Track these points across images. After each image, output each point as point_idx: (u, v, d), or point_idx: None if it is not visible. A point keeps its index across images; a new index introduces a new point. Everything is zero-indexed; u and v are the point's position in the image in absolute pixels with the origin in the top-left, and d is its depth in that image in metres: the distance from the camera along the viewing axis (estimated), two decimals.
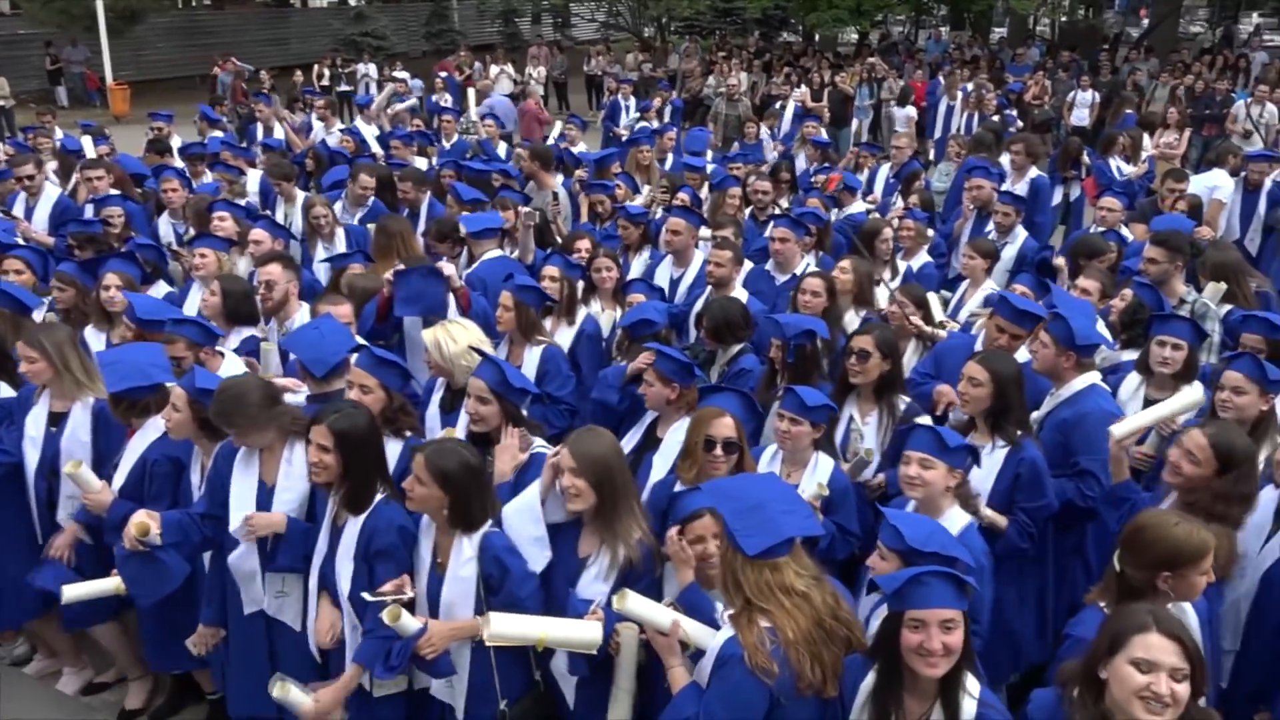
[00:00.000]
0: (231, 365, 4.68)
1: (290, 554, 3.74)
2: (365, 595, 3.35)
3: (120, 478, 4.15)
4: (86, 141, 10.04)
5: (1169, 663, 2.38)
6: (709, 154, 10.51)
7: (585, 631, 3.15)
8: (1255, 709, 3.63)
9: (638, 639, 3.08)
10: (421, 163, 9.67)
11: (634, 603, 2.99)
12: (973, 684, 2.62)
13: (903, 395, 4.47)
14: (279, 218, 7.89)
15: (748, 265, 6.52)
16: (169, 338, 4.55)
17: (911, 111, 15.29)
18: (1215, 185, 8.57)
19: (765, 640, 2.72)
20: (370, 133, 11.19)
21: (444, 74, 19.09)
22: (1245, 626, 3.66)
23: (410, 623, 3.27)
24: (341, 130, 11.40)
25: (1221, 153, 9.01)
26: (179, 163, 9.34)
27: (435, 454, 3.34)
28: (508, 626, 3.09)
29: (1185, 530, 2.94)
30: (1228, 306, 5.59)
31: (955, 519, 3.50)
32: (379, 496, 3.56)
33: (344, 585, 3.55)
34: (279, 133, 11.53)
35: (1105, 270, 5.81)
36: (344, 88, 19.84)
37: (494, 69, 20.01)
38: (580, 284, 5.79)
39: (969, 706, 2.59)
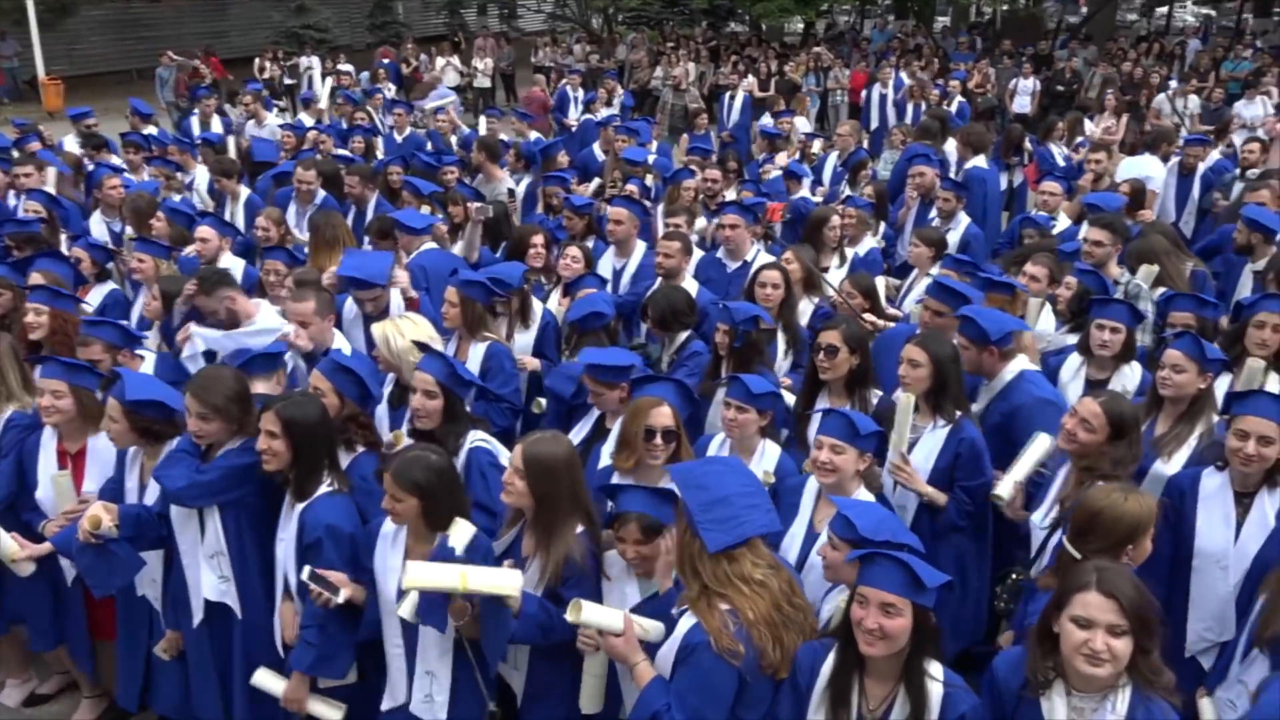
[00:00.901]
0: (150, 367, 4.62)
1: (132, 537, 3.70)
2: (304, 576, 3.35)
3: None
4: (69, 140, 9.75)
5: (1106, 620, 2.49)
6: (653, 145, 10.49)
7: (506, 578, 3.07)
8: None
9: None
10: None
11: (587, 613, 2.97)
12: (936, 668, 2.67)
13: (875, 389, 4.48)
14: (227, 215, 7.74)
15: (699, 253, 6.55)
16: (84, 340, 4.45)
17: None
18: (1148, 174, 8.73)
19: (728, 623, 2.76)
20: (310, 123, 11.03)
21: (386, 61, 18.87)
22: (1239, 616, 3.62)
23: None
24: (282, 126, 11.19)
25: (1156, 138, 9.19)
26: (117, 159, 9.13)
27: (403, 468, 3.28)
28: (425, 573, 3.01)
29: (1135, 501, 3.08)
30: (1161, 289, 5.70)
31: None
32: (325, 489, 3.54)
33: (290, 574, 3.55)
34: (217, 126, 11.27)
35: (1053, 256, 5.92)
36: (287, 81, 19.46)
37: (439, 61, 19.80)
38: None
39: (934, 689, 2.63)
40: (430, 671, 3.34)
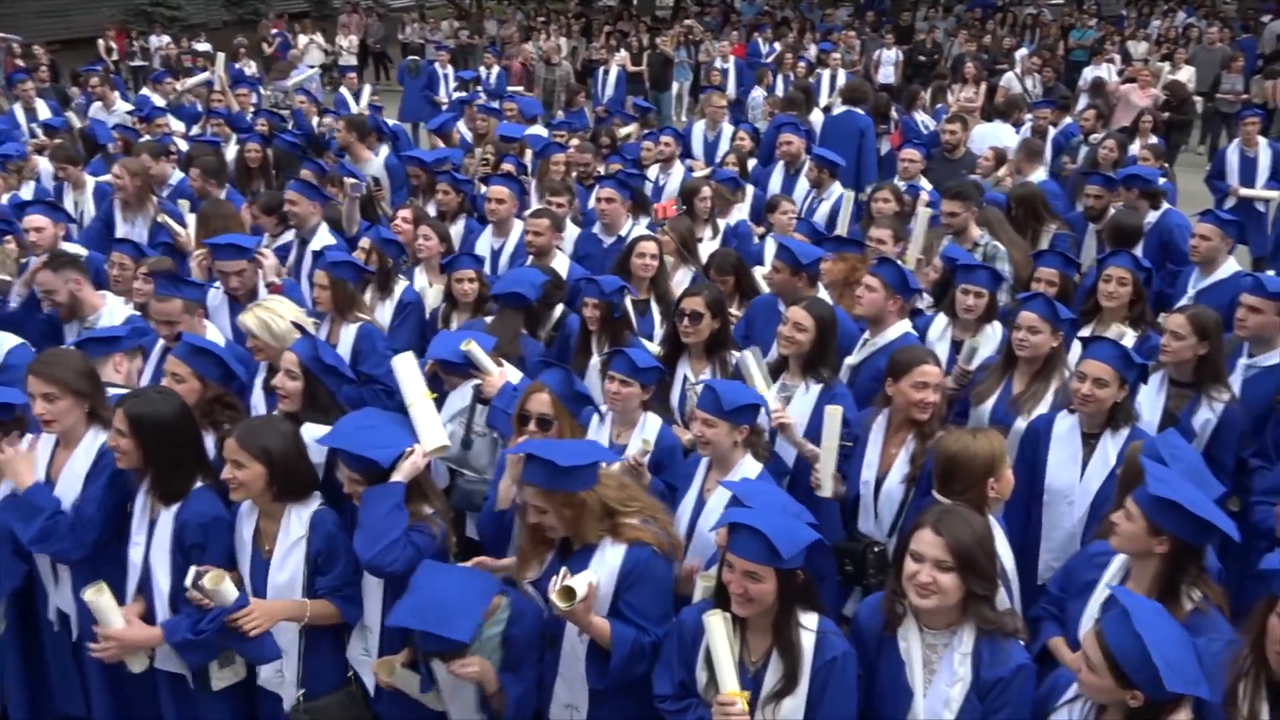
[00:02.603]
0: None
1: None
2: (187, 583, 3.20)
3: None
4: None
5: (932, 555, 2.67)
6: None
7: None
8: None
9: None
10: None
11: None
12: (809, 619, 2.77)
13: (733, 350, 4.57)
14: (69, 205, 7.29)
15: (575, 229, 6.53)
16: None
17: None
18: (1004, 142, 9.06)
19: (650, 528, 3.08)
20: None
21: (275, 31, 18.14)
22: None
23: (229, 590, 3.16)
24: (130, 112, 10.59)
25: (1009, 105, 9.60)
26: None
27: (247, 433, 3.25)
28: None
29: (984, 438, 3.33)
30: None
31: (748, 468, 3.62)
32: (197, 486, 3.41)
33: (162, 582, 3.40)
34: (44, 111, 10.56)
35: (895, 219, 6.17)
36: (138, 63, 18.46)
37: (302, 39, 19.09)
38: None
39: (807, 639, 2.74)
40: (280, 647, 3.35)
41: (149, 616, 3.45)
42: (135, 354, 4.36)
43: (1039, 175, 7.77)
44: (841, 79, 12.41)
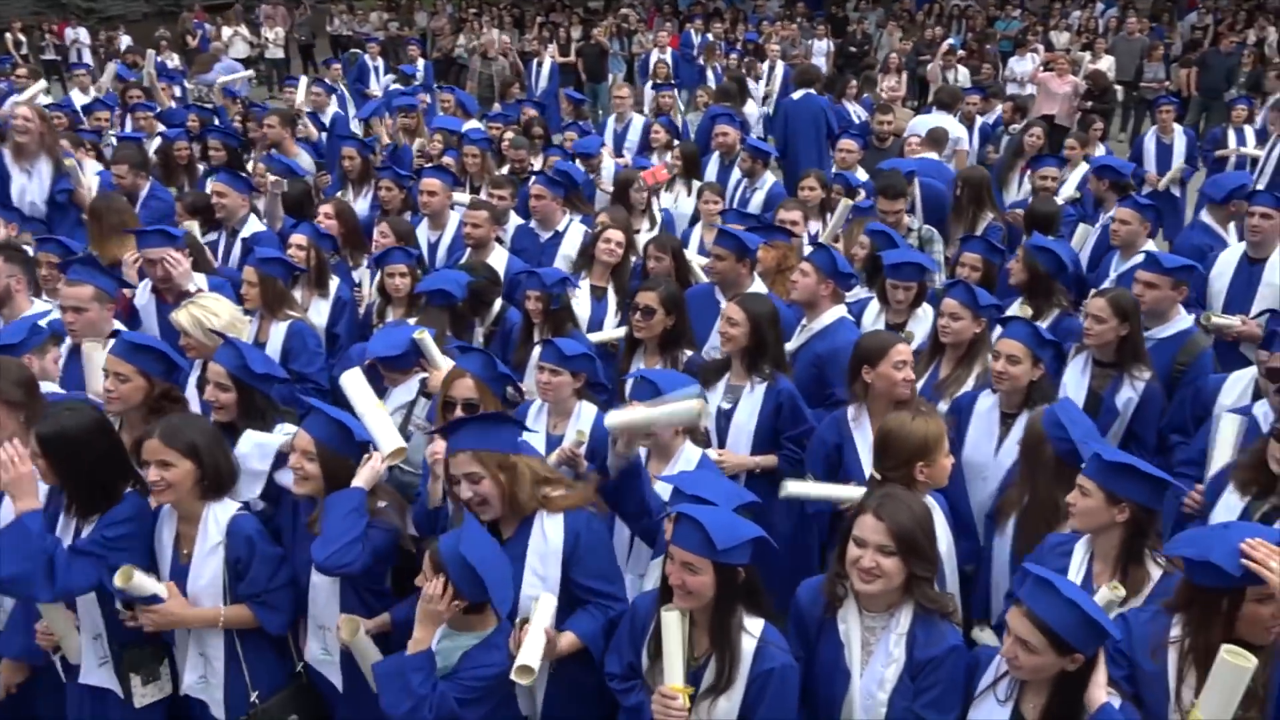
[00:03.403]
0: None
1: None
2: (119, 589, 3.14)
3: None
4: None
5: (875, 540, 2.71)
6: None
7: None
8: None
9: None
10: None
11: (137, 580, 3.07)
12: (754, 623, 2.77)
13: (687, 348, 4.58)
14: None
15: (516, 222, 6.49)
16: None
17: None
18: (953, 134, 9.17)
19: (578, 489, 3.19)
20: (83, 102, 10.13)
21: (196, 23, 17.65)
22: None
23: (146, 582, 3.12)
24: (50, 105, 10.22)
25: (950, 96, 9.76)
26: None
27: (170, 431, 3.17)
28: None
29: (922, 421, 3.34)
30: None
31: (690, 455, 3.65)
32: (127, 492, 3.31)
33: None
34: None
35: (800, 202, 6.36)
36: (50, 56, 17.82)
37: (226, 31, 18.61)
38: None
39: (748, 643, 2.74)
40: (203, 654, 3.31)
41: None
42: (46, 347, 4.20)
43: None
44: (779, 70, 12.53)
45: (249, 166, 7.74)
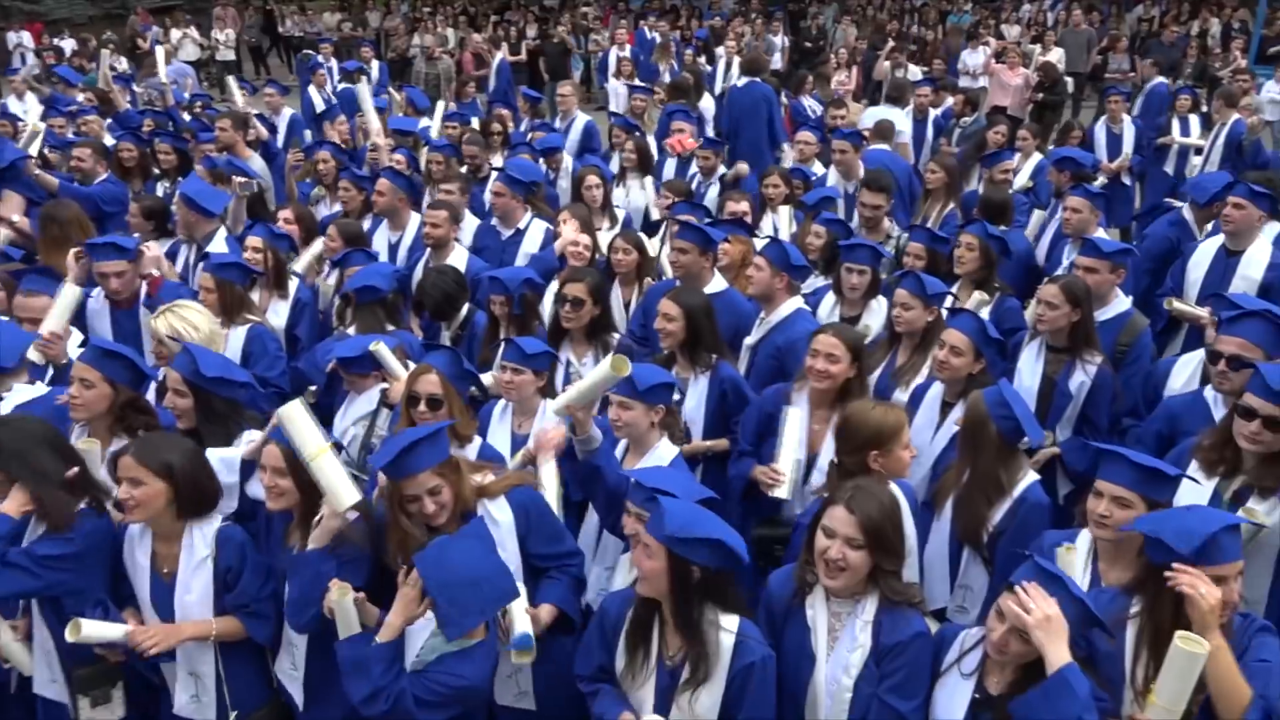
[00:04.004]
0: None
1: None
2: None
3: None
4: None
5: (844, 532, 2.74)
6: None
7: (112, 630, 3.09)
8: None
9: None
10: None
11: (87, 630, 3.03)
12: (729, 620, 2.76)
13: (615, 333, 4.64)
14: None
15: (474, 221, 6.47)
16: None
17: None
18: (898, 126, 9.29)
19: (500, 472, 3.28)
20: (21, 109, 9.95)
21: (144, 25, 17.37)
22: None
23: (98, 629, 3.07)
24: None
25: (898, 89, 9.87)
26: None
27: (146, 449, 3.10)
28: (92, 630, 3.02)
29: (881, 411, 3.39)
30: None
31: (665, 452, 3.66)
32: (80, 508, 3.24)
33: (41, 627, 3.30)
34: None
35: (744, 194, 6.49)
36: None
37: (175, 33, 18.33)
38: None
39: (725, 640, 2.73)
40: (194, 672, 3.26)
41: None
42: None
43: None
44: (737, 66, 12.57)
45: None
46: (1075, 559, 2.94)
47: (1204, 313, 4.85)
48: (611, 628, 2.91)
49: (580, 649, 3.04)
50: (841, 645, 2.82)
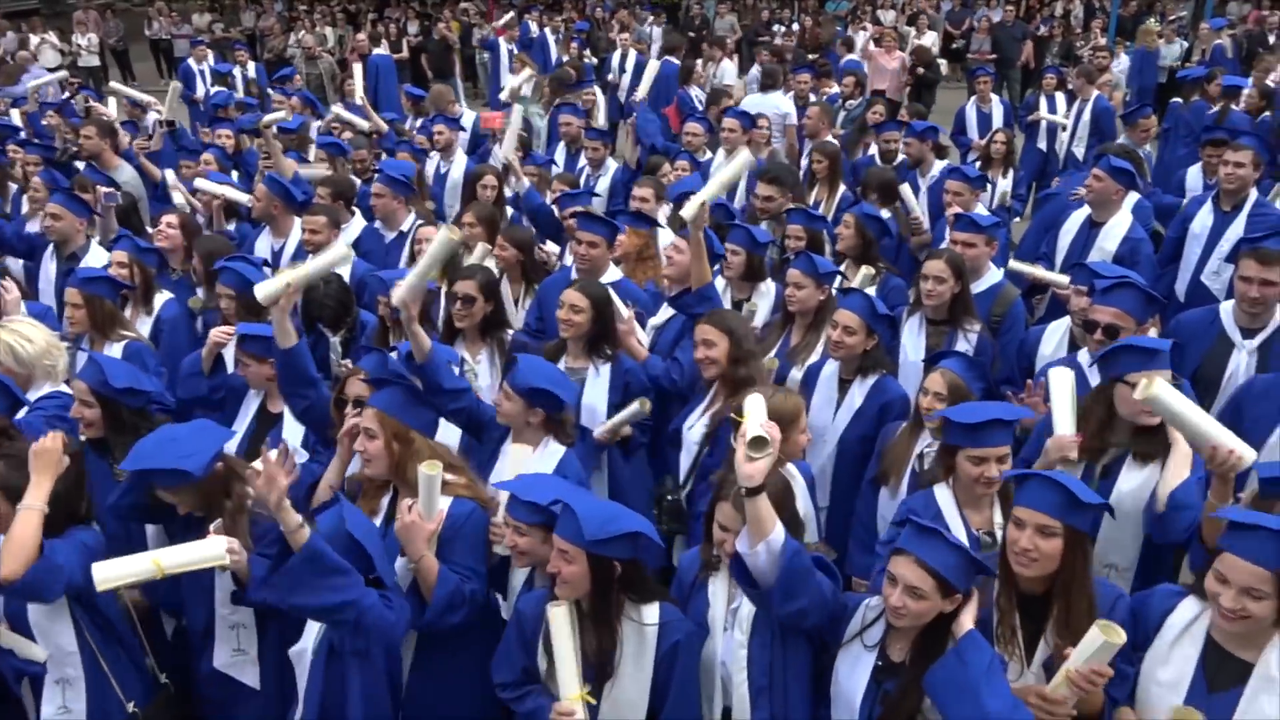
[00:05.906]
0: None
1: None
2: None
3: None
4: None
5: (735, 527, 2.81)
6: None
7: (205, 550, 2.89)
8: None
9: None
10: None
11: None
12: (649, 611, 2.80)
13: (509, 329, 4.63)
14: None
15: (360, 224, 6.32)
16: None
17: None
18: (782, 110, 9.43)
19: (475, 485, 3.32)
20: None
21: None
22: (831, 486, 4.26)
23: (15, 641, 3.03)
24: None
25: (771, 77, 10.01)
26: None
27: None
28: (115, 570, 2.80)
29: (780, 398, 3.48)
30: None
31: (553, 450, 3.65)
32: None
33: None
34: None
35: (657, 181, 6.53)
36: None
37: (34, 39, 17.39)
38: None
39: (649, 633, 2.78)
40: (61, 680, 3.15)
41: None
42: None
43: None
44: (632, 57, 12.60)
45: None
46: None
47: (1063, 279, 5.05)
48: (531, 630, 2.91)
49: (498, 656, 3.01)
50: (740, 613, 2.92)
